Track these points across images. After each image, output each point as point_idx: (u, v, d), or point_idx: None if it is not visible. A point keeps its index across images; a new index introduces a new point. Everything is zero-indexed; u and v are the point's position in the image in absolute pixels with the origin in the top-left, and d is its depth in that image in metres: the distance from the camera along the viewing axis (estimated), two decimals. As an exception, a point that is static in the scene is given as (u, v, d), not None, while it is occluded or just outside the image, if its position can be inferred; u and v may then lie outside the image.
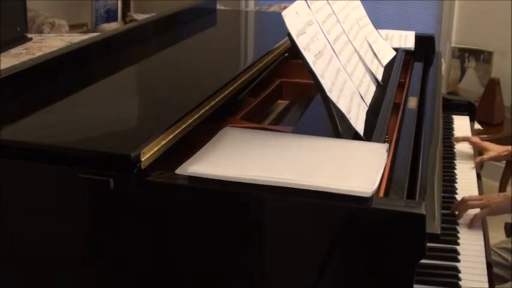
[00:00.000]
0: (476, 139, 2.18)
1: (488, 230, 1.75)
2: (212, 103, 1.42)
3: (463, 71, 3.96)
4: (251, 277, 1.19)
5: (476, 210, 1.74)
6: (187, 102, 1.37)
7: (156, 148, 1.20)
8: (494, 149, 2.15)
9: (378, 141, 1.38)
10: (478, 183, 1.98)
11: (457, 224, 1.71)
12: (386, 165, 1.28)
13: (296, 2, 1.43)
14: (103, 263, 1.25)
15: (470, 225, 1.69)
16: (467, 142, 2.17)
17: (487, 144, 2.18)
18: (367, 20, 2.07)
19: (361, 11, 2.05)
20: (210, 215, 1.16)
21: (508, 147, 2.16)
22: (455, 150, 2.17)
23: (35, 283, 1.29)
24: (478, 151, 2.20)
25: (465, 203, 1.73)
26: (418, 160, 1.49)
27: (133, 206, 1.18)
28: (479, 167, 2.14)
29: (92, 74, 1.67)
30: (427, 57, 2.28)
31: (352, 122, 1.37)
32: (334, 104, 1.34)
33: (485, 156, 2.12)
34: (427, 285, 1.41)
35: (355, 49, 1.73)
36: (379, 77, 1.79)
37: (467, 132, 2.29)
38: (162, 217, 1.18)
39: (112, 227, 1.21)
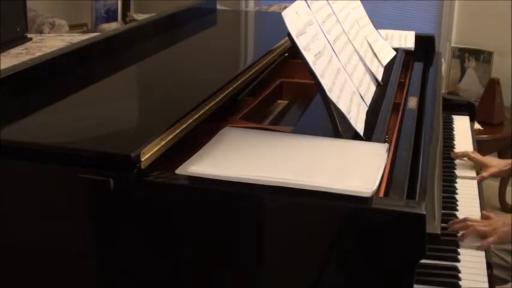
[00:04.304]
0: (475, 154, 2.10)
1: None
2: (212, 103, 1.42)
3: (463, 71, 3.96)
4: (251, 277, 1.19)
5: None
6: (187, 102, 1.37)
7: (156, 148, 1.20)
8: (494, 164, 2.07)
9: (378, 141, 1.38)
10: (478, 183, 1.98)
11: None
12: (386, 165, 1.28)
13: (296, 2, 1.43)
14: (103, 263, 1.25)
15: (477, 248, 1.63)
16: (466, 158, 2.10)
17: (487, 159, 2.11)
18: (367, 20, 2.07)
19: (361, 11, 2.05)
20: (210, 215, 1.16)
21: (509, 161, 2.11)
22: (455, 150, 2.17)
23: (35, 283, 1.29)
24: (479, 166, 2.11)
25: (470, 227, 1.65)
26: (418, 160, 1.49)
27: (133, 206, 1.18)
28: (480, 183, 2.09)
29: (92, 74, 1.67)
30: (427, 57, 2.28)
31: (352, 122, 1.37)
32: (334, 104, 1.34)
33: (485, 173, 2.04)
34: (427, 285, 1.41)
35: (355, 49, 1.73)
36: (379, 77, 1.79)
37: (467, 132, 2.28)
38: (162, 217, 1.18)
39: (112, 227, 1.21)
